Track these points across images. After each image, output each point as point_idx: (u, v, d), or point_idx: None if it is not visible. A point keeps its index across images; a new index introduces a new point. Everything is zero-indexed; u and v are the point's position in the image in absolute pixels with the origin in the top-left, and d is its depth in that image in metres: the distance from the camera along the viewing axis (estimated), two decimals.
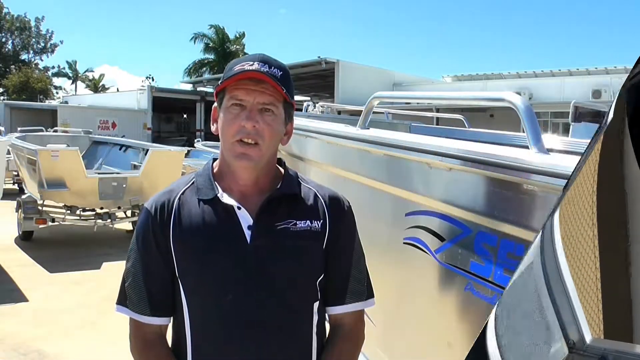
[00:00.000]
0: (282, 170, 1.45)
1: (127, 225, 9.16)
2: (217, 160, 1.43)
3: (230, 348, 1.29)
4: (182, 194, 1.38)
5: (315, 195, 1.41)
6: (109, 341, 4.56)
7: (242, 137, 1.29)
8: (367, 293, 1.45)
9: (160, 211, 1.35)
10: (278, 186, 1.38)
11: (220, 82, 1.33)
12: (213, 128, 1.40)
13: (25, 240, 8.33)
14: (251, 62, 1.31)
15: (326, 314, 1.44)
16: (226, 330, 1.29)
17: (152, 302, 1.35)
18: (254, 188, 1.36)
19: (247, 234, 1.31)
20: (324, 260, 1.38)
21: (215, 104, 1.39)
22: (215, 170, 1.41)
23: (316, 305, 1.37)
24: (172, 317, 1.38)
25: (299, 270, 1.34)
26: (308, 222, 1.36)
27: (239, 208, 1.33)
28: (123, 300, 1.38)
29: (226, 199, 1.33)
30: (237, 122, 1.29)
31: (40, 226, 8.05)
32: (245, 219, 1.33)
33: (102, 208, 8.29)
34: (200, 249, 1.31)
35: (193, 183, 1.40)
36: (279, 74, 1.32)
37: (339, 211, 1.42)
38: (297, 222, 1.35)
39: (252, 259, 1.30)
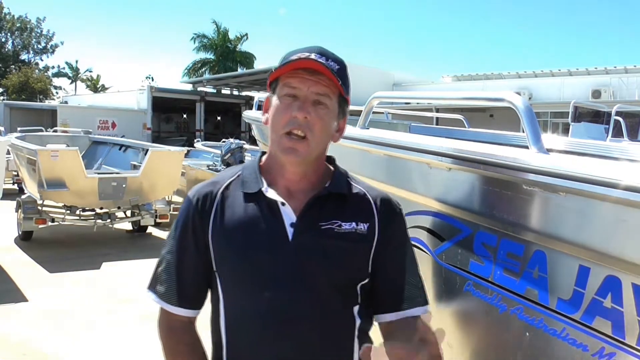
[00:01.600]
0: (331, 168, 1.40)
1: (126, 225, 9.17)
2: (266, 153, 1.40)
3: (265, 346, 1.26)
4: (227, 186, 1.35)
5: (365, 197, 1.37)
6: (109, 341, 4.56)
7: (292, 128, 1.25)
8: (423, 299, 1.39)
9: (202, 202, 1.33)
10: (326, 184, 1.34)
11: (273, 69, 1.30)
12: (263, 119, 1.36)
13: (25, 240, 8.31)
14: (308, 53, 1.27)
15: (376, 322, 1.38)
16: (262, 327, 1.26)
17: (181, 292, 1.33)
18: (301, 184, 1.33)
19: (290, 231, 1.28)
20: (373, 265, 1.33)
21: (268, 94, 1.35)
22: (262, 163, 1.38)
23: (356, 309, 1.32)
24: (211, 310, 1.35)
25: (339, 272, 1.29)
26: (354, 224, 1.31)
27: (283, 204, 1.29)
28: (153, 285, 1.37)
29: (270, 194, 1.30)
30: (288, 112, 1.25)
31: (40, 226, 8.04)
32: (288, 215, 1.29)
33: (101, 208, 8.29)
34: (239, 243, 1.28)
35: (239, 176, 1.37)
36: (336, 67, 1.28)
37: (390, 214, 1.37)
38: (343, 223, 1.30)
39: (292, 257, 1.26)
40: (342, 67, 1.30)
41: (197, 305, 1.37)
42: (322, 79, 1.26)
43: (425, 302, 1.39)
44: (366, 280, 1.34)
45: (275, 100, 1.30)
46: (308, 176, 1.33)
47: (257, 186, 1.32)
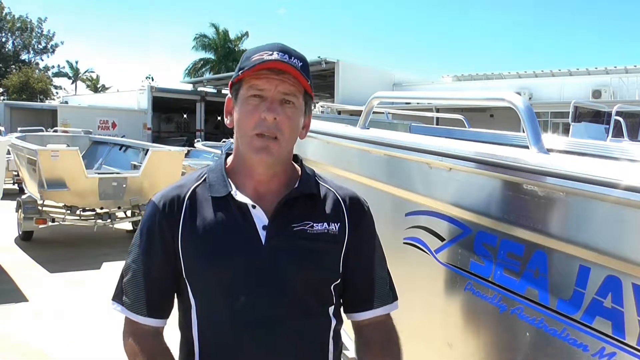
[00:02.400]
0: (298, 167, 1.39)
1: (127, 225, 9.17)
2: (231, 155, 1.37)
3: (241, 351, 1.24)
4: (194, 190, 1.31)
5: (334, 196, 1.36)
6: (109, 341, 4.56)
7: (261, 130, 1.22)
8: (392, 296, 1.40)
9: (169, 207, 1.29)
10: (295, 185, 1.32)
11: (237, 71, 1.27)
12: (227, 121, 1.33)
13: (25, 240, 8.32)
14: (270, 52, 1.24)
15: (346, 320, 1.39)
16: (237, 332, 1.23)
17: (150, 302, 1.29)
18: (270, 185, 1.31)
19: (262, 234, 1.25)
20: (343, 264, 1.33)
21: (229, 96, 1.32)
22: (228, 166, 1.35)
23: (331, 309, 1.32)
24: (179, 317, 1.32)
25: (313, 274, 1.28)
26: (325, 224, 1.30)
27: (253, 207, 1.27)
28: (119, 296, 1.32)
29: (240, 196, 1.27)
30: (256, 113, 1.23)
31: (40, 226, 8.04)
32: (260, 218, 1.27)
33: (102, 208, 8.29)
34: (211, 249, 1.25)
35: (204, 179, 1.33)
36: (299, 64, 1.25)
37: (359, 213, 1.37)
38: (314, 224, 1.29)
39: (266, 260, 1.24)
40: (304, 63, 1.28)
41: (166, 315, 1.32)
42: (288, 77, 1.23)
43: (395, 299, 1.41)
44: (339, 281, 1.34)
45: (240, 101, 1.27)
46: (277, 176, 1.31)
47: (226, 189, 1.29)
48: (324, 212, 1.32)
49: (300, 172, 1.37)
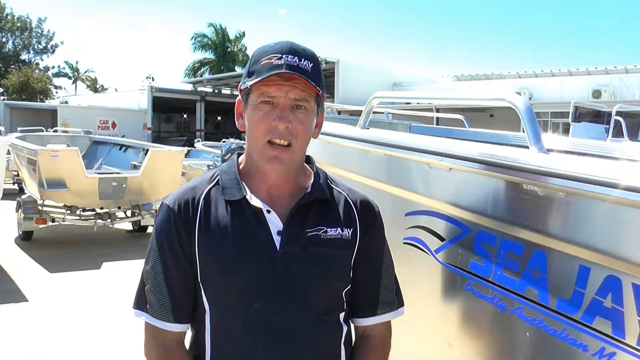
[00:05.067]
0: (310, 169, 1.37)
1: (127, 225, 9.18)
2: (243, 157, 1.35)
3: (253, 357, 1.23)
4: (208, 192, 1.29)
5: (346, 200, 1.35)
6: (109, 341, 4.56)
7: (273, 137, 1.21)
8: (397, 302, 1.40)
9: (184, 209, 1.27)
10: (309, 189, 1.31)
11: (245, 75, 1.25)
12: (238, 124, 1.32)
13: (25, 240, 8.33)
14: (279, 55, 1.21)
15: (352, 324, 1.39)
16: (251, 339, 1.22)
17: (175, 308, 1.26)
18: (283, 188, 1.29)
19: (277, 240, 1.25)
20: (352, 269, 1.33)
21: (240, 98, 1.30)
22: (240, 168, 1.33)
23: (342, 315, 1.32)
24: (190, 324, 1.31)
25: (327, 280, 1.28)
26: (339, 229, 1.29)
27: (268, 211, 1.26)
28: (142, 304, 1.29)
29: (255, 201, 1.26)
30: (267, 121, 1.21)
31: (40, 226, 8.04)
32: (274, 223, 1.26)
33: (102, 208, 8.30)
34: (227, 253, 1.24)
35: (217, 182, 1.31)
36: (310, 66, 1.22)
37: (370, 218, 1.36)
38: (328, 229, 1.28)
39: (281, 266, 1.23)
40: (315, 64, 1.25)
41: (190, 319, 1.30)
42: (299, 83, 1.21)
43: (400, 305, 1.41)
44: (349, 286, 1.34)
45: (251, 107, 1.25)
46: (290, 180, 1.30)
47: (240, 193, 1.27)
48: (337, 216, 1.32)
49: (312, 175, 1.36)
